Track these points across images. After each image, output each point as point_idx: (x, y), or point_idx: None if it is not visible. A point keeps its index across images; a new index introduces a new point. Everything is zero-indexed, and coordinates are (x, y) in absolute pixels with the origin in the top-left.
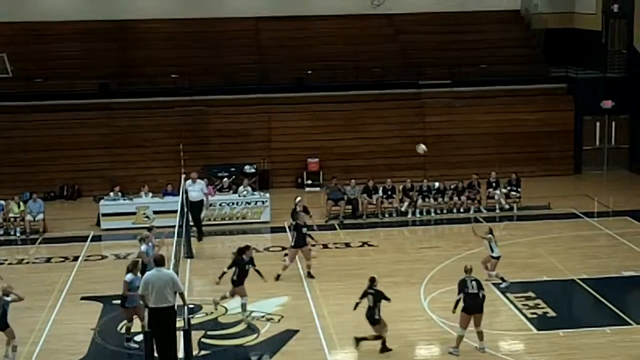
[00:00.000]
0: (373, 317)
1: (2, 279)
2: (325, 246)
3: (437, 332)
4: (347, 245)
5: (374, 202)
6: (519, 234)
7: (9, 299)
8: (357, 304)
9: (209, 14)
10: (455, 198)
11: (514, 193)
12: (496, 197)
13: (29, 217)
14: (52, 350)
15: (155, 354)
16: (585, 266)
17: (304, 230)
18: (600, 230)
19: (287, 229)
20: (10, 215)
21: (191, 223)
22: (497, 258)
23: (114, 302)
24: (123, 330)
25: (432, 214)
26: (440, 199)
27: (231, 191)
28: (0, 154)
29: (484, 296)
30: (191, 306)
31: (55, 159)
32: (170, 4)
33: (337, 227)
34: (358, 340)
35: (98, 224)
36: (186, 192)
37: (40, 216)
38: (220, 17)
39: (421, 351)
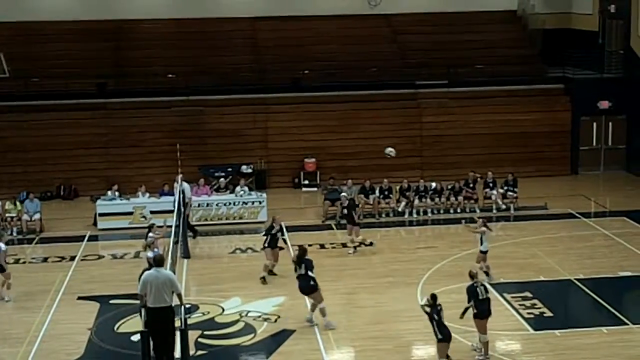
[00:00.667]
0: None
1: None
2: (322, 246)
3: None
4: (344, 245)
5: (371, 203)
6: (516, 234)
7: None
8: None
9: (205, 14)
10: (452, 198)
11: (510, 193)
12: (493, 197)
13: (25, 217)
14: (49, 350)
15: (152, 354)
16: (582, 266)
17: (277, 233)
18: (597, 230)
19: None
20: (7, 215)
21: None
22: (485, 252)
23: (110, 302)
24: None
25: (429, 214)
26: (437, 199)
27: (228, 191)
28: None
29: (489, 299)
30: (188, 306)
31: (52, 159)
32: (167, 4)
33: (333, 227)
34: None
35: (95, 223)
36: (183, 193)
37: (37, 216)
38: (216, 17)
39: (418, 351)
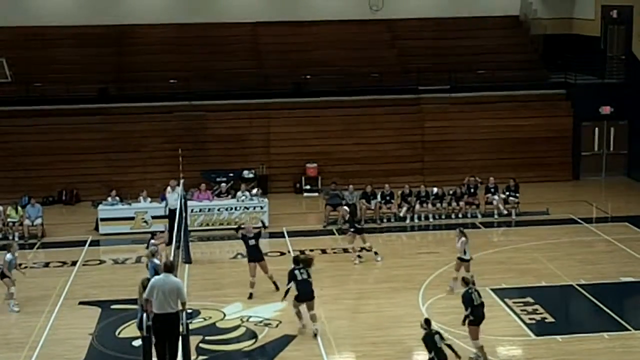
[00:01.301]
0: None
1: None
2: (323, 252)
3: None
4: (345, 250)
5: (373, 208)
6: (518, 240)
7: None
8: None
9: (207, 19)
10: (454, 203)
11: (512, 199)
12: (494, 202)
13: (27, 222)
14: (50, 355)
15: (154, 359)
16: (583, 272)
17: (251, 242)
18: (598, 236)
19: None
20: (9, 220)
21: (191, 228)
22: (468, 261)
23: (112, 307)
24: (123, 335)
25: (431, 220)
26: (438, 205)
27: (229, 196)
28: None
29: (483, 303)
30: (189, 311)
31: (54, 164)
32: (169, 9)
33: (335, 232)
34: None
35: (96, 228)
36: (184, 198)
37: (39, 221)
38: (218, 22)
39: (419, 357)
